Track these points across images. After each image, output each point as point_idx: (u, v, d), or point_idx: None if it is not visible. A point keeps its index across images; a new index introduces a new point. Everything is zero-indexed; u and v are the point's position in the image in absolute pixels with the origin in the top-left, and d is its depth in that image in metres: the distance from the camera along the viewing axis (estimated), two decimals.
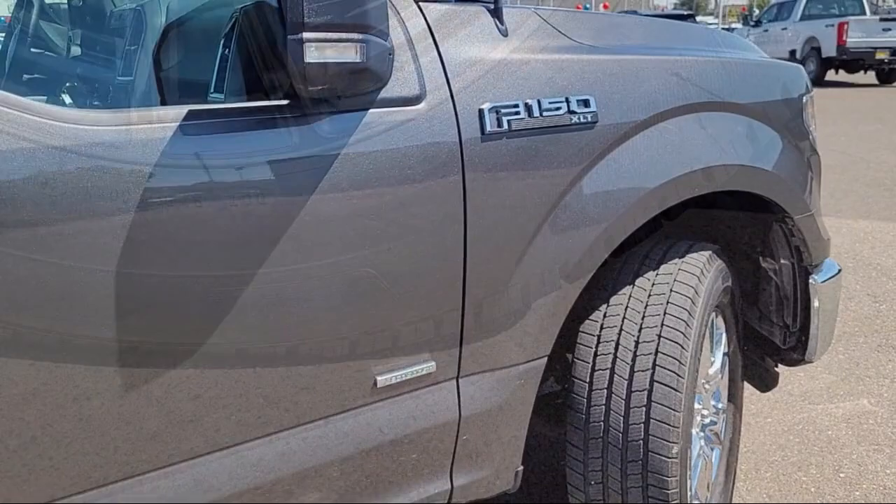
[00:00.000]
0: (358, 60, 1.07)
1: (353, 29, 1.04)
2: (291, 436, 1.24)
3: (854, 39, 15.13)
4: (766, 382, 2.25)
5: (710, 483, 1.94)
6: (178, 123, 1.07)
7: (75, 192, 0.99)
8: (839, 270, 2.06)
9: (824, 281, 1.98)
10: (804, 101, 1.97)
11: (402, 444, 1.36)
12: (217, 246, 1.10)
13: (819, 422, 2.60)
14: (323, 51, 1.02)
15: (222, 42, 1.32)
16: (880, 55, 15.17)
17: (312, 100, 1.15)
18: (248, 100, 1.24)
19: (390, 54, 1.21)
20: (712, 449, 1.96)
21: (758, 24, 19.22)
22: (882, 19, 15.88)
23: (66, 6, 2.24)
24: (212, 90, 1.32)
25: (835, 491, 2.21)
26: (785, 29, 17.39)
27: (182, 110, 1.08)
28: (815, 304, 1.97)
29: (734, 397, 2.08)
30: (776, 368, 2.22)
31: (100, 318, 1.02)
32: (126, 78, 1.76)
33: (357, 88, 1.16)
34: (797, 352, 2.08)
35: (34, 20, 1.99)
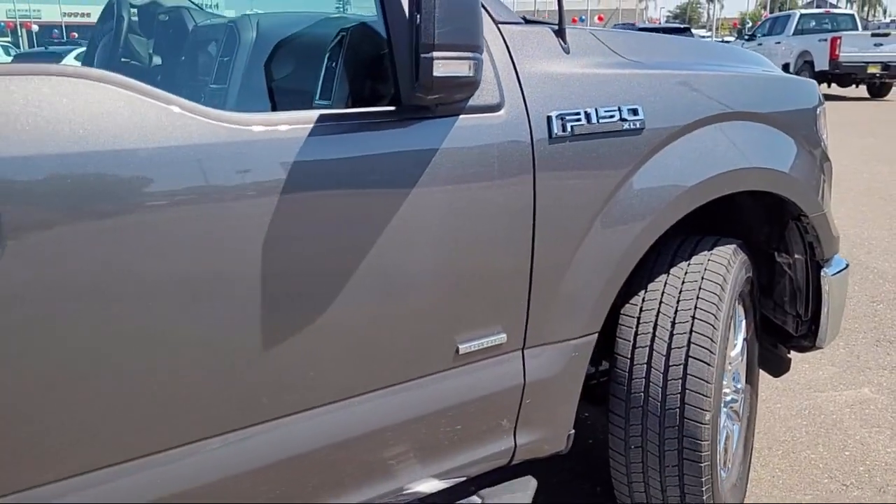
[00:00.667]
0: (471, 75, 1.28)
1: (467, 48, 1.26)
2: (391, 393, 1.45)
3: (846, 54, 15.44)
4: (778, 368, 2.47)
5: (731, 454, 2.15)
6: (311, 125, 1.28)
7: (226, 181, 1.19)
8: (847, 265, 2.28)
9: (834, 274, 2.20)
10: (817, 112, 2.19)
11: (478, 405, 1.57)
12: (340, 227, 1.31)
13: (824, 407, 2.82)
14: (447, 66, 1.23)
15: (328, 56, 1.53)
16: (872, 69, 15.50)
17: (417, 106, 1.36)
18: (353, 106, 1.46)
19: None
20: (733, 424, 2.17)
21: (752, 37, 19.56)
22: (874, 35, 16.24)
23: (139, 19, 2.45)
24: (317, 98, 1.53)
25: (841, 467, 2.43)
26: (779, 43, 17.72)
27: (313, 114, 1.29)
28: (826, 294, 2.20)
29: (751, 379, 2.30)
30: (788, 355, 2.44)
31: (257, 283, 1.23)
32: (219, 85, 1.97)
33: (457, 97, 1.37)
34: (808, 339, 2.31)
35: (124, 32, 2.20)
